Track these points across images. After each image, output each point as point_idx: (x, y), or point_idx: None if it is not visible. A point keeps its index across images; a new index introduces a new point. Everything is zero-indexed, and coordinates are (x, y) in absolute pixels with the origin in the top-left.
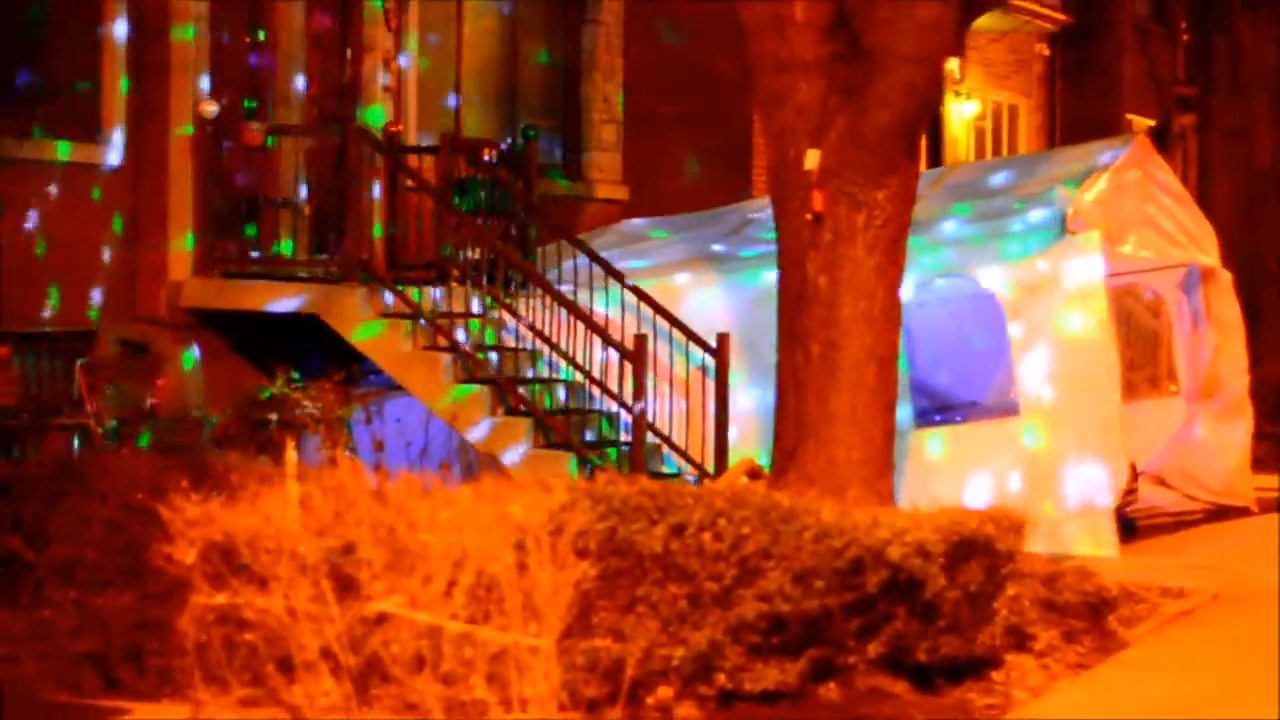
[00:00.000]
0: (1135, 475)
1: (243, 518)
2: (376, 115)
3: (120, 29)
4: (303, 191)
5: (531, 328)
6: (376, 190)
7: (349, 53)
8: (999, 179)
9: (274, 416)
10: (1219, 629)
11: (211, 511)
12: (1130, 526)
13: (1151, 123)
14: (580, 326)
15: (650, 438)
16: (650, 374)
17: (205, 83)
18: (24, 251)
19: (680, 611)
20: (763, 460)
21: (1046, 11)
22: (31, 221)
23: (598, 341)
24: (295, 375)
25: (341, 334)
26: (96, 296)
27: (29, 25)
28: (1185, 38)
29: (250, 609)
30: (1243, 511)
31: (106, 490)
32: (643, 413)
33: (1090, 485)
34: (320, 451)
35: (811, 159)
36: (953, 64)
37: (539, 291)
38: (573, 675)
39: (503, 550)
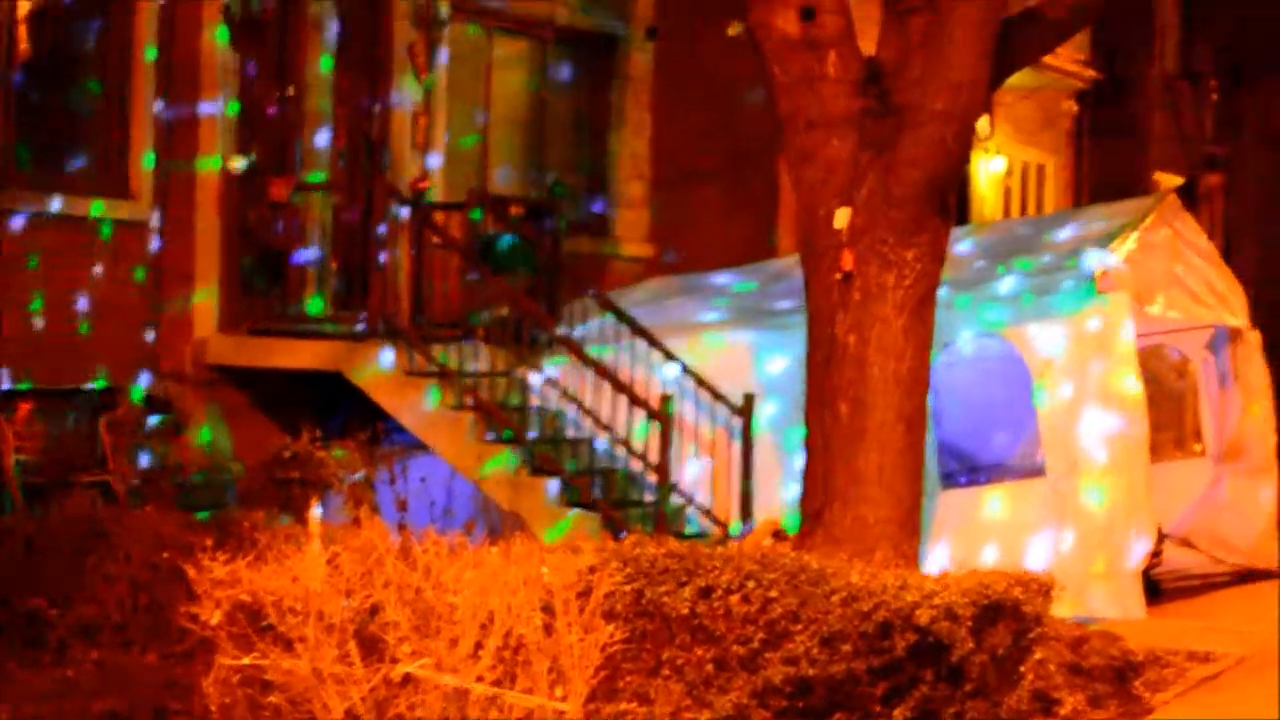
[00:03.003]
0: (1161, 537)
1: (269, 578)
2: (403, 171)
3: (149, 83)
4: (330, 248)
5: (556, 386)
6: (403, 247)
7: (377, 108)
8: (1026, 238)
9: (297, 475)
10: (1245, 693)
11: (238, 572)
12: (1156, 589)
13: (1180, 181)
14: (606, 385)
15: (675, 498)
16: (676, 433)
17: (232, 138)
18: (48, 307)
19: (706, 675)
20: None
21: (1075, 69)
22: (56, 277)
23: (624, 400)
24: (319, 433)
25: (366, 392)
26: (121, 353)
27: (55, 75)
28: (1214, 96)
29: (276, 670)
30: (1270, 574)
31: (131, 549)
32: (668, 473)
33: (1116, 548)
34: (344, 510)
35: (841, 218)
36: (981, 121)
37: (565, 350)
38: None
39: (530, 612)
